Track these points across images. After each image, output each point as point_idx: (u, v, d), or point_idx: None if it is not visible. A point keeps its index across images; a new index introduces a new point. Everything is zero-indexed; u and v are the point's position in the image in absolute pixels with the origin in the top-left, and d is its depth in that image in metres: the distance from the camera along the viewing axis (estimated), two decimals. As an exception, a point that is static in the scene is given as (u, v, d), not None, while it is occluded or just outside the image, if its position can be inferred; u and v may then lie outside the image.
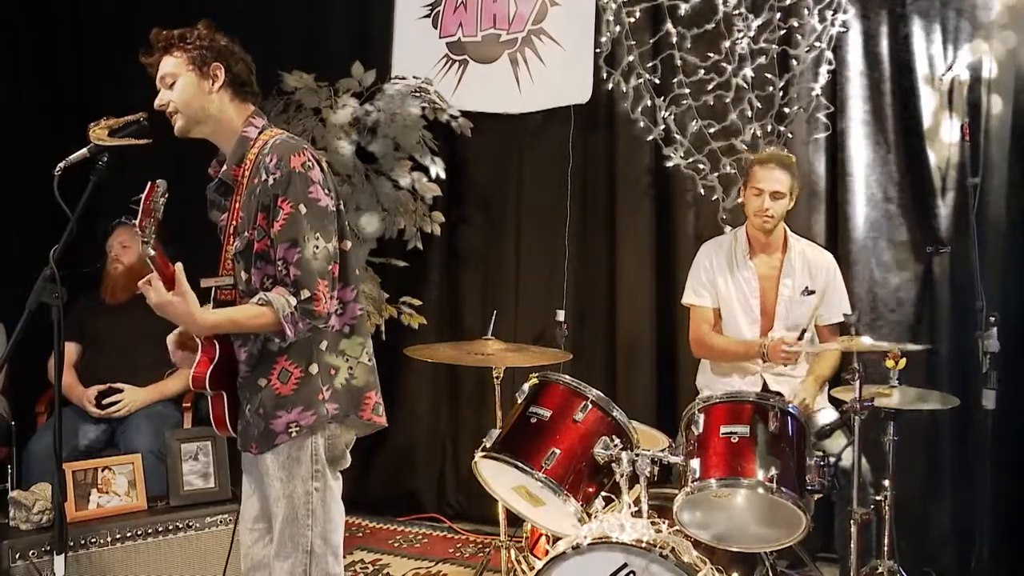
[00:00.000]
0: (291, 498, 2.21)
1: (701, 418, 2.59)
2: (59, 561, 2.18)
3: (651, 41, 3.90)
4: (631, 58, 3.91)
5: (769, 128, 3.75)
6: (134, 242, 3.83)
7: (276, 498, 2.24)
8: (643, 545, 2.28)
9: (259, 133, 2.27)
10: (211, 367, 2.20)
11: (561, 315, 3.47)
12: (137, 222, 2.02)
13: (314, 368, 2.21)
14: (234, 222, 2.24)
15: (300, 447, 2.20)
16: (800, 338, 3.21)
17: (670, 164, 3.89)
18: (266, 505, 2.33)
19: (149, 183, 2.04)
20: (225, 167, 2.28)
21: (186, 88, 2.23)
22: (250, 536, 2.40)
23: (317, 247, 2.14)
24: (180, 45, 2.24)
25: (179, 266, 2.07)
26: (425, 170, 4.06)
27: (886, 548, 2.80)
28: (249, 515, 2.40)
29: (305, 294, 2.12)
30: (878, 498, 2.81)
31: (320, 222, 2.15)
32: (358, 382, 2.28)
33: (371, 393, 2.31)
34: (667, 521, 2.44)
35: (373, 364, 2.33)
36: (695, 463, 2.51)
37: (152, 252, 2.03)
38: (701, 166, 3.84)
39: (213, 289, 2.26)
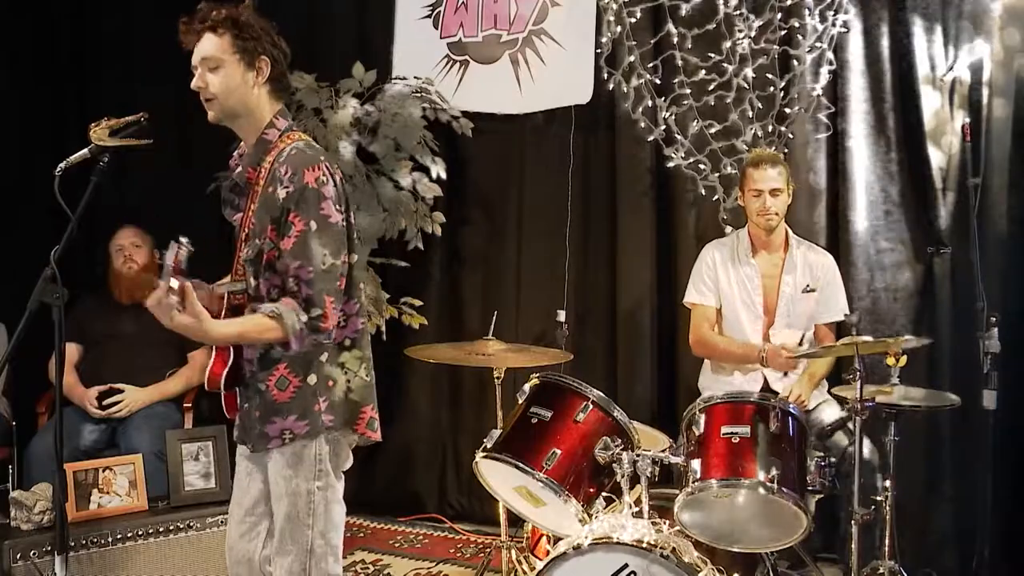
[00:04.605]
0: (293, 496, 2.21)
1: (702, 418, 2.59)
2: (60, 561, 2.18)
3: (652, 41, 3.91)
4: (632, 58, 3.91)
5: (770, 128, 3.75)
6: (145, 241, 3.85)
7: (279, 495, 2.23)
8: (644, 545, 2.28)
9: (280, 136, 2.23)
10: (226, 369, 2.20)
11: (562, 315, 3.46)
12: (166, 284, 1.94)
13: (312, 379, 2.20)
14: (246, 228, 2.22)
15: (304, 446, 2.20)
16: (799, 344, 3.22)
17: (671, 164, 3.89)
18: (262, 499, 2.33)
19: (174, 246, 1.98)
20: (240, 168, 2.25)
21: (231, 77, 2.17)
22: (238, 528, 2.36)
23: (324, 264, 2.12)
24: (231, 29, 2.16)
25: (189, 286, 2.01)
26: (426, 170, 4.06)
27: (887, 548, 2.80)
28: (240, 508, 2.36)
29: (315, 311, 2.11)
30: (879, 498, 2.81)
31: (330, 239, 2.13)
32: (355, 396, 2.26)
33: (367, 408, 2.29)
34: (668, 521, 2.45)
35: (372, 379, 2.31)
36: (696, 463, 2.51)
37: (183, 309, 1.96)
38: (702, 166, 3.84)
39: (226, 293, 2.24)
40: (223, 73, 2.17)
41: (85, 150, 2.18)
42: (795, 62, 3.70)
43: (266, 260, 2.17)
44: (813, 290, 3.34)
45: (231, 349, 2.20)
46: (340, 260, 2.16)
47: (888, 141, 3.63)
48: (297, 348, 2.12)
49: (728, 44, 3.76)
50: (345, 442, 2.28)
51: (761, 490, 2.45)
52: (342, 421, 2.24)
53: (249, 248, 2.20)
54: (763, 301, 3.38)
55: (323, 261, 2.12)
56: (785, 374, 3.34)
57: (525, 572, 3.08)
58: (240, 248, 2.24)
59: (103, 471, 3.12)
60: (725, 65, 3.78)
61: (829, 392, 3.28)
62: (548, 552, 2.61)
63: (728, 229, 3.71)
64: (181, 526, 3.11)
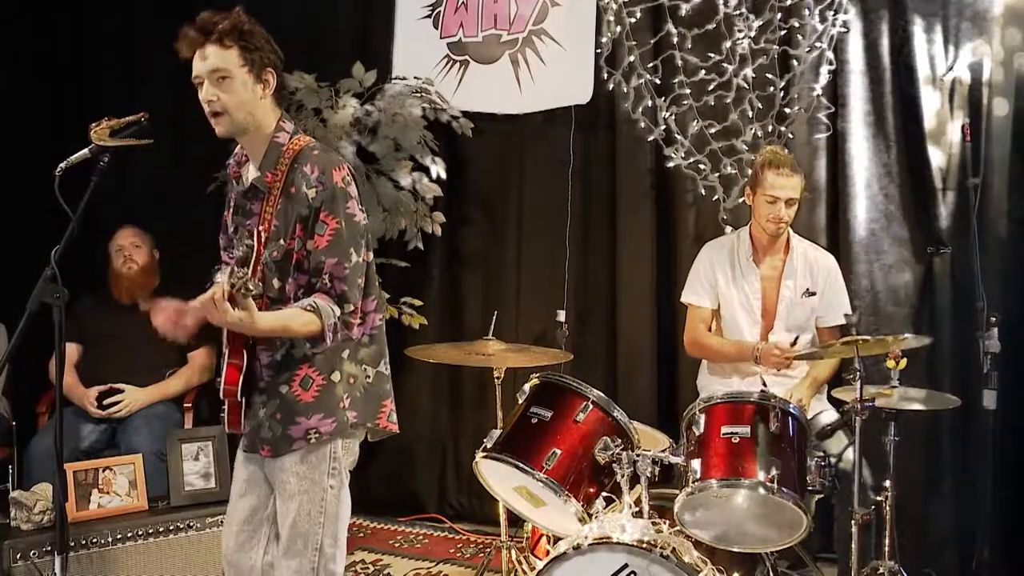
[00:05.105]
0: (307, 495, 2.21)
1: (702, 418, 2.59)
2: (60, 561, 2.18)
3: (652, 41, 3.91)
4: (632, 58, 3.91)
5: (770, 128, 3.75)
6: (144, 241, 3.85)
7: (290, 495, 2.22)
8: (644, 545, 2.28)
9: (289, 139, 2.23)
10: (241, 377, 2.19)
11: (562, 315, 3.46)
12: (250, 275, 1.98)
13: (336, 376, 2.22)
14: (266, 231, 2.21)
15: (323, 444, 2.21)
16: (793, 344, 3.20)
17: (671, 164, 3.89)
18: (260, 506, 2.32)
19: (256, 238, 2.08)
20: (258, 172, 2.24)
21: (241, 91, 2.15)
22: (236, 539, 2.33)
23: (350, 262, 2.17)
24: (238, 41, 2.14)
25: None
26: (426, 170, 4.06)
27: (887, 548, 2.80)
28: (239, 517, 2.34)
29: (348, 308, 2.16)
30: (879, 498, 2.80)
31: (356, 238, 2.19)
32: (376, 390, 2.29)
33: (387, 401, 2.33)
34: (668, 521, 2.45)
35: (389, 373, 2.35)
36: (696, 463, 2.51)
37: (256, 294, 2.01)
38: (702, 166, 3.84)
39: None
40: (232, 87, 2.14)
41: (85, 150, 2.18)
42: (795, 62, 3.70)
43: (295, 260, 2.19)
44: (813, 293, 3.31)
45: (244, 356, 2.20)
46: (362, 257, 2.21)
47: (888, 141, 3.62)
48: (330, 343, 2.15)
49: (728, 44, 3.76)
50: (357, 440, 2.29)
51: (761, 490, 2.45)
52: (364, 417, 2.27)
53: (273, 249, 2.20)
54: (762, 305, 3.35)
55: (353, 260, 2.17)
56: (778, 371, 3.31)
57: (525, 572, 3.07)
58: (259, 251, 2.21)
59: (103, 471, 3.13)
60: (725, 65, 3.78)
61: (829, 395, 3.27)
62: (548, 552, 2.60)
63: (728, 229, 3.70)
64: (181, 526, 3.11)
